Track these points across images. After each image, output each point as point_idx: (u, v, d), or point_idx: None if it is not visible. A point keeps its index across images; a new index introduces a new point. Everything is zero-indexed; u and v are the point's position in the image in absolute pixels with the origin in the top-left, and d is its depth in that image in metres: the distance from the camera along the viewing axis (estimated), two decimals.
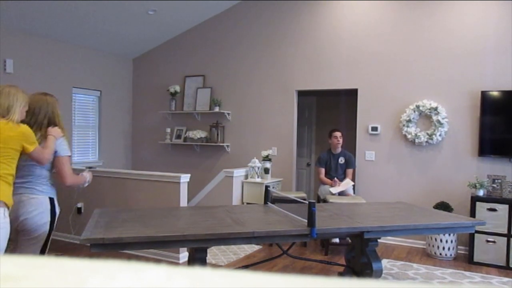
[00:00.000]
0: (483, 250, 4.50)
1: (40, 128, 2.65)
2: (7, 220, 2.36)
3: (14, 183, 2.51)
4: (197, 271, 0.37)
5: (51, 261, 0.37)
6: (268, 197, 3.84)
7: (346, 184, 5.17)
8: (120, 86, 7.19)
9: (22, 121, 2.54)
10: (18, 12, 5.13)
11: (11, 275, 0.33)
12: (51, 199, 2.69)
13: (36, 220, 2.59)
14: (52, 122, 2.69)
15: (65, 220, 5.18)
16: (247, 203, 5.31)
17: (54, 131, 2.65)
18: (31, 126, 2.56)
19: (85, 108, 6.70)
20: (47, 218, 2.64)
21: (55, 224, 2.71)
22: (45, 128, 2.66)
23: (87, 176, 2.92)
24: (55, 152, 2.64)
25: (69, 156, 2.74)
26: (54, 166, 2.68)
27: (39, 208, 2.60)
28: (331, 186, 5.17)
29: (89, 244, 2.44)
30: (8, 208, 2.37)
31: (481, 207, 4.54)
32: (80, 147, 6.61)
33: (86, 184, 2.95)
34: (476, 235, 4.49)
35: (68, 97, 6.28)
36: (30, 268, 0.35)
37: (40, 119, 2.66)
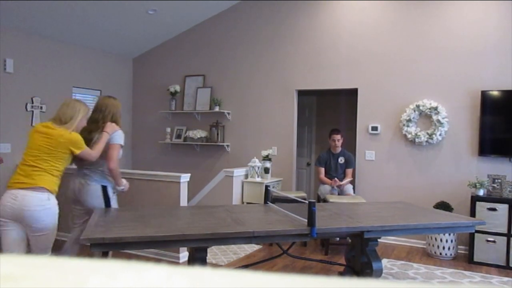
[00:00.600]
0: (483, 250, 4.50)
1: (104, 122, 3.29)
2: (51, 202, 2.90)
3: (80, 170, 3.29)
4: (197, 271, 0.37)
5: (51, 261, 0.37)
6: (268, 196, 3.84)
7: (348, 181, 5.24)
8: (120, 86, 7.19)
9: (91, 117, 3.28)
10: (18, 12, 5.13)
11: (11, 275, 0.33)
12: (104, 187, 3.30)
13: (90, 202, 3.27)
14: (114, 119, 3.33)
15: (65, 220, 5.18)
16: (247, 203, 5.31)
17: (109, 126, 3.25)
18: (98, 120, 3.27)
19: None
20: (100, 200, 3.28)
21: (110, 203, 3.32)
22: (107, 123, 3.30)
23: (125, 183, 3.41)
24: (109, 141, 3.22)
25: (121, 145, 3.29)
26: (107, 150, 3.22)
27: (91, 192, 3.27)
28: (331, 185, 5.17)
29: (89, 244, 2.44)
30: (51, 193, 2.91)
31: (481, 206, 4.54)
32: None
33: (121, 188, 3.39)
34: (476, 234, 4.49)
35: (68, 97, 6.28)
36: (30, 268, 0.35)
37: (105, 115, 3.30)
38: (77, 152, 3.01)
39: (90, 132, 3.21)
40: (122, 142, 3.29)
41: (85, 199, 3.27)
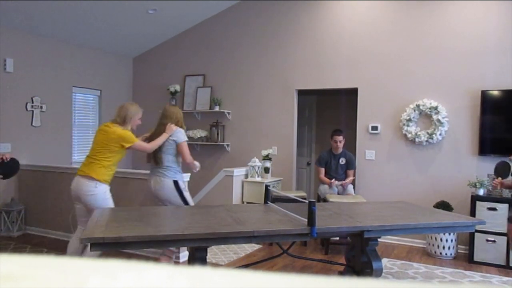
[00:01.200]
0: (483, 249, 4.50)
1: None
2: (97, 189, 3.51)
3: (154, 169, 3.87)
4: (197, 271, 0.37)
5: (51, 261, 0.37)
6: (268, 196, 3.84)
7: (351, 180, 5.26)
8: (120, 85, 7.19)
9: (161, 122, 3.88)
10: (18, 11, 5.13)
11: (11, 275, 0.33)
12: (175, 181, 3.84)
13: (163, 194, 3.83)
14: (179, 123, 3.91)
15: (65, 219, 5.18)
16: (247, 203, 5.31)
17: (168, 128, 3.81)
18: (165, 124, 3.84)
19: (85, 107, 6.70)
20: (174, 194, 3.83)
21: (184, 196, 3.86)
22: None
23: (197, 164, 3.95)
24: (175, 140, 3.81)
25: (186, 141, 3.87)
26: (178, 150, 3.83)
27: (165, 187, 3.82)
28: (329, 186, 5.16)
29: (89, 243, 2.44)
30: (100, 181, 3.51)
31: (481, 206, 4.54)
32: (80, 146, 6.61)
33: (197, 169, 3.95)
34: (476, 234, 4.49)
35: (68, 96, 6.28)
36: (30, 268, 0.35)
37: (172, 120, 3.88)
38: (127, 145, 3.58)
39: (160, 134, 3.82)
40: (185, 138, 3.88)
41: (161, 193, 3.83)
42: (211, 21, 6.64)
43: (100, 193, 3.53)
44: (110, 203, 3.62)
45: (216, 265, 4.29)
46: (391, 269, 4.25)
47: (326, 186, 5.22)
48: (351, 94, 5.86)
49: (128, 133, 3.62)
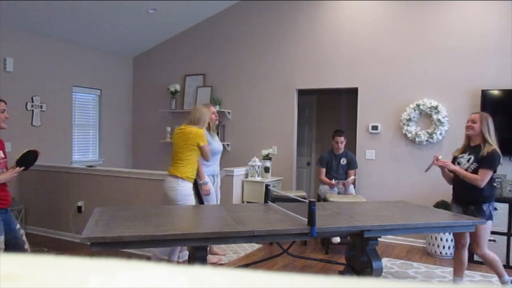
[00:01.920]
0: None
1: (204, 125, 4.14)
2: (179, 185, 3.81)
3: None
4: (197, 270, 0.37)
5: (52, 260, 0.37)
6: (268, 196, 3.84)
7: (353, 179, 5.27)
8: (120, 85, 7.19)
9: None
10: (18, 11, 5.13)
11: (12, 274, 0.33)
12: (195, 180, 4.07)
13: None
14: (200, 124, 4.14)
15: (65, 219, 5.19)
16: (247, 202, 5.31)
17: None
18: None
19: (85, 107, 6.70)
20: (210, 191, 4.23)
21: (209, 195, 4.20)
22: None
23: (207, 182, 4.17)
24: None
25: (206, 144, 4.00)
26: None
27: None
28: (330, 187, 5.15)
29: (89, 243, 2.44)
30: (182, 179, 3.81)
31: None
32: (80, 146, 6.61)
33: (201, 182, 4.13)
34: None
35: (68, 96, 6.28)
36: (30, 267, 0.35)
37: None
38: (201, 144, 3.86)
39: None
40: (206, 142, 4.04)
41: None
42: (211, 21, 6.64)
43: (182, 189, 3.82)
44: (191, 200, 3.88)
45: (216, 264, 4.29)
46: (391, 269, 4.25)
47: (326, 186, 5.22)
48: (351, 94, 5.86)
49: (203, 132, 3.93)
